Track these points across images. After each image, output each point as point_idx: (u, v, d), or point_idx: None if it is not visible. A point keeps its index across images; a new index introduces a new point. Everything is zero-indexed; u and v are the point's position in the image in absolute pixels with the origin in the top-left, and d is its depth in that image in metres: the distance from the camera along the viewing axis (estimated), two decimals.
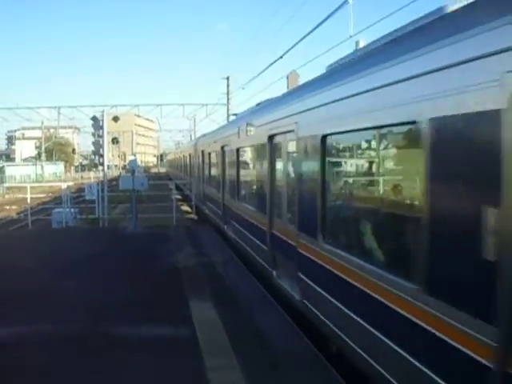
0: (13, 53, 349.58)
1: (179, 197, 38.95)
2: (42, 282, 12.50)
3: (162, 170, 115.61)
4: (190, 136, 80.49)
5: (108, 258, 15.80)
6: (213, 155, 23.82)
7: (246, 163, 16.40)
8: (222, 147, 19.55)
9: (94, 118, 46.26)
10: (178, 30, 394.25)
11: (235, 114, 24.57)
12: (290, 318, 9.77)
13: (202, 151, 27.45)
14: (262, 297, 11.31)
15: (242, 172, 16.54)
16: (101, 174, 37.78)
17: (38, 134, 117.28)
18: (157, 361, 7.78)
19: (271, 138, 11.45)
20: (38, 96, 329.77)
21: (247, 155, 16.06)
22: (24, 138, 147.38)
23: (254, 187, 14.62)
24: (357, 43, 18.10)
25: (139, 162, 27.22)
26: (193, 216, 30.94)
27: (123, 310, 10.33)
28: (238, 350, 8.08)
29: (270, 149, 11.56)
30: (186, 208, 35.40)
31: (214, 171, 24.05)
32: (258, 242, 12.81)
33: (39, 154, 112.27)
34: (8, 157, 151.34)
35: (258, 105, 16.44)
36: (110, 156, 74.08)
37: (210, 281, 12.65)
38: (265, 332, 8.97)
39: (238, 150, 16.32)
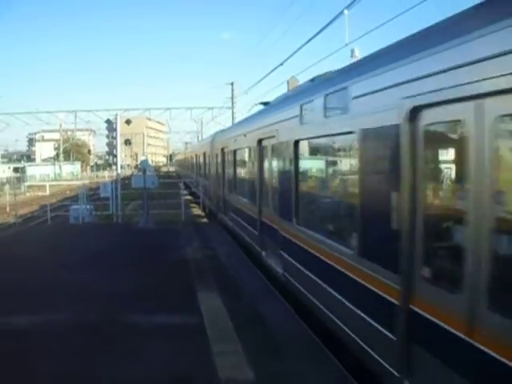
0: (35, 62, 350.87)
1: (189, 197, 38.85)
2: (58, 273, 12.49)
3: (172, 169, 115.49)
4: (198, 137, 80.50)
5: (121, 251, 15.79)
6: (241, 154, 17.29)
7: (316, 165, 10.07)
8: (260, 141, 13.10)
9: (108, 121, 46.48)
10: (185, 40, 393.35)
11: (265, 103, 16.10)
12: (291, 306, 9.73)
13: (223, 149, 20.93)
14: (265, 287, 11.30)
15: (306, 179, 10.34)
16: (114, 173, 37.69)
17: (56, 136, 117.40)
18: (167, 347, 7.77)
19: (418, 111, 5.21)
20: (56, 101, 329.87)
21: (321, 151, 9.67)
22: (43, 140, 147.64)
23: (351, 209, 7.29)
24: (352, 51, 18.14)
25: (150, 162, 27.17)
26: (205, 220, 27.79)
27: (135, 299, 10.30)
28: (243, 337, 8.06)
29: (414, 138, 5.28)
30: (196, 211, 34.77)
31: (242, 174, 17.30)
32: (363, 315, 6.51)
33: (57, 155, 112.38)
34: (29, 157, 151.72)
35: (312, 80, 10.66)
36: (123, 156, 74.08)
37: (216, 272, 12.60)
38: (268, 320, 8.94)
39: (296, 144, 9.80)
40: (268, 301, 10.17)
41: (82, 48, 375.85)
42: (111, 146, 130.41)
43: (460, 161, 4.83)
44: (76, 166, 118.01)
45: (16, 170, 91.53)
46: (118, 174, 32.52)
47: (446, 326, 4.75)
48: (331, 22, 17.20)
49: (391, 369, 5.76)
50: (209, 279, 11.90)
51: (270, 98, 15.33)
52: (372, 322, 6.25)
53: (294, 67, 27.04)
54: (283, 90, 33.75)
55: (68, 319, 9.05)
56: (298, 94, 10.56)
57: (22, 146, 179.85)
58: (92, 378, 6.78)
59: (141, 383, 6.64)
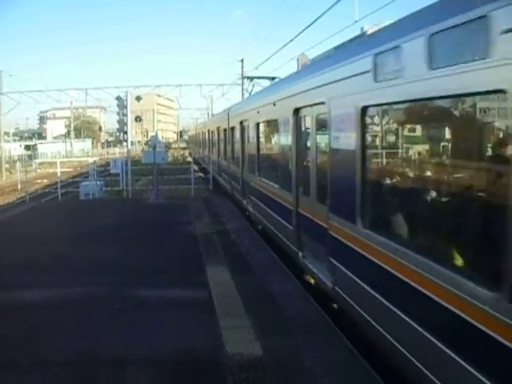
0: (47, 42, 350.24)
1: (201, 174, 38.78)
2: (68, 248, 12.48)
3: (182, 145, 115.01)
4: (208, 114, 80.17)
5: (131, 226, 15.75)
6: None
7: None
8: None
9: (118, 98, 46.31)
10: (197, 17, 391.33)
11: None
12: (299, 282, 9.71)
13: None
14: (275, 263, 11.22)
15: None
16: (125, 150, 37.71)
17: (67, 113, 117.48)
18: (174, 321, 7.77)
19: None
20: (67, 79, 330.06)
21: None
22: (54, 118, 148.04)
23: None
24: (362, 29, 18.01)
25: (160, 138, 27.07)
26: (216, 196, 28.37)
27: (145, 274, 10.31)
28: (251, 312, 8.02)
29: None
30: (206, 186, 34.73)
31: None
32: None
33: (68, 132, 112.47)
34: (40, 135, 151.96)
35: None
36: (134, 133, 74.04)
37: (226, 247, 12.55)
38: (277, 296, 8.87)
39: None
40: (278, 277, 10.10)
41: (94, 23, 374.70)
42: (122, 123, 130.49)
43: None
44: (87, 143, 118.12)
45: (27, 147, 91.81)
46: (128, 151, 32.50)
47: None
48: None
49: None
50: (218, 254, 11.85)
51: (279, 75, 15.53)
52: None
53: (304, 43, 26.81)
54: (293, 66, 33.40)
55: (78, 293, 9.07)
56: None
57: (33, 124, 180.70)
58: (99, 352, 6.75)
59: (148, 356, 6.60)
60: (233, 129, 20.44)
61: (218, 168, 27.16)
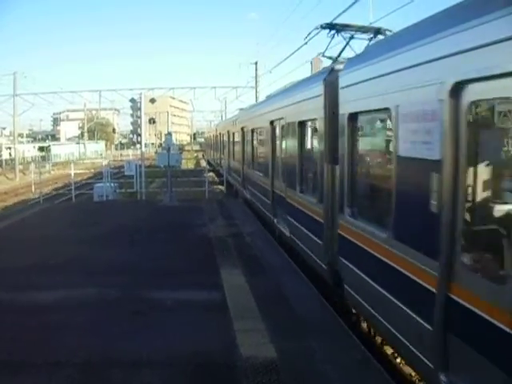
0: (59, 42, 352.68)
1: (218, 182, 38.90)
2: (83, 250, 12.58)
3: (195, 147, 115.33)
4: (221, 116, 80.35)
5: (145, 228, 15.82)
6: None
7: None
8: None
9: (132, 100, 46.51)
10: (211, 19, 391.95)
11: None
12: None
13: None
14: (288, 265, 11.23)
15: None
16: (139, 152, 37.90)
17: (80, 115, 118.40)
18: (189, 323, 7.80)
19: None
20: (80, 80, 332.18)
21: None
22: (68, 120, 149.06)
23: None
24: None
25: (174, 141, 27.12)
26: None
27: (158, 276, 10.38)
28: (265, 315, 8.04)
29: None
30: (220, 188, 34.79)
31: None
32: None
33: (82, 134, 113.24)
34: (53, 137, 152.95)
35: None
36: (147, 135, 74.33)
37: (240, 249, 12.59)
38: (291, 299, 8.89)
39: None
40: (292, 280, 10.14)
41: (107, 22, 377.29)
42: (135, 125, 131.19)
43: None
44: (100, 145, 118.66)
45: (41, 149, 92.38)
46: (142, 153, 32.70)
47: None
48: (356, 1, 17.06)
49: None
50: (232, 257, 11.88)
51: (293, 78, 15.41)
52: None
53: (318, 46, 26.80)
54: (307, 69, 33.43)
55: (92, 295, 9.15)
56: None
57: (47, 126, 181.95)
58: (113, 354, 6.82)
59: (162, 358, 6.64)
60: (334, 122, 8.43)
61: (262, 192, 16.52)
